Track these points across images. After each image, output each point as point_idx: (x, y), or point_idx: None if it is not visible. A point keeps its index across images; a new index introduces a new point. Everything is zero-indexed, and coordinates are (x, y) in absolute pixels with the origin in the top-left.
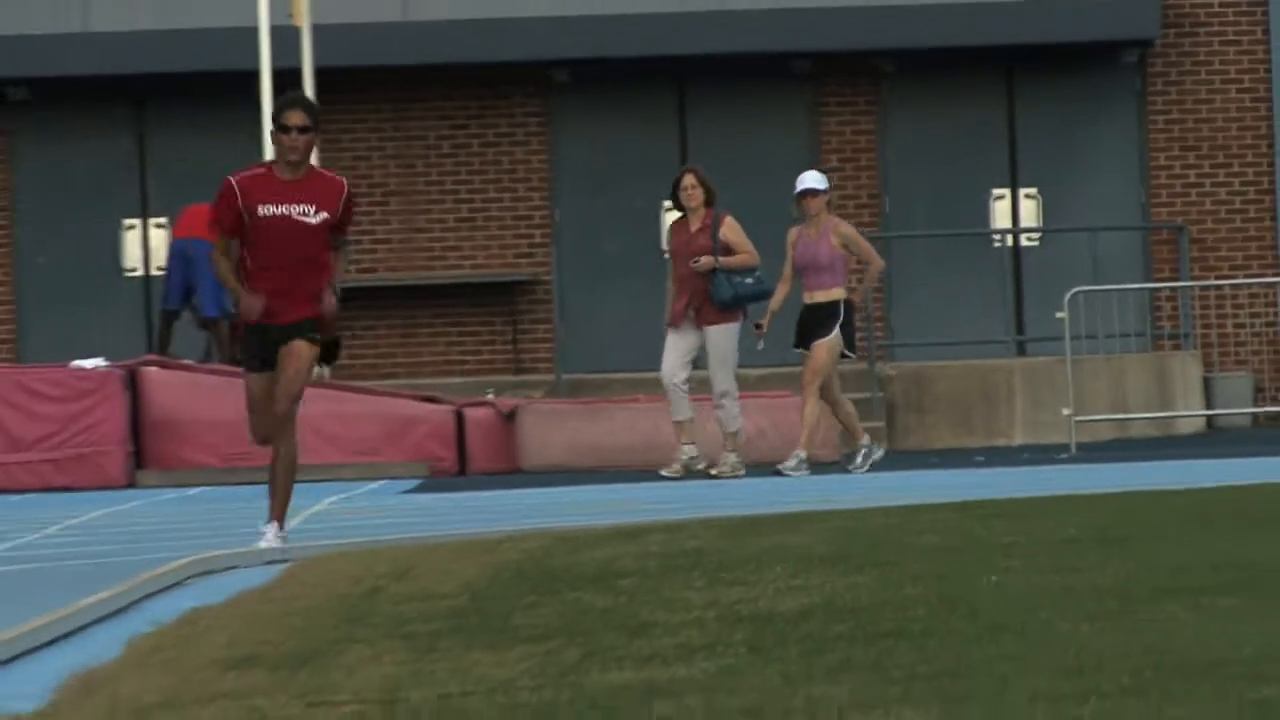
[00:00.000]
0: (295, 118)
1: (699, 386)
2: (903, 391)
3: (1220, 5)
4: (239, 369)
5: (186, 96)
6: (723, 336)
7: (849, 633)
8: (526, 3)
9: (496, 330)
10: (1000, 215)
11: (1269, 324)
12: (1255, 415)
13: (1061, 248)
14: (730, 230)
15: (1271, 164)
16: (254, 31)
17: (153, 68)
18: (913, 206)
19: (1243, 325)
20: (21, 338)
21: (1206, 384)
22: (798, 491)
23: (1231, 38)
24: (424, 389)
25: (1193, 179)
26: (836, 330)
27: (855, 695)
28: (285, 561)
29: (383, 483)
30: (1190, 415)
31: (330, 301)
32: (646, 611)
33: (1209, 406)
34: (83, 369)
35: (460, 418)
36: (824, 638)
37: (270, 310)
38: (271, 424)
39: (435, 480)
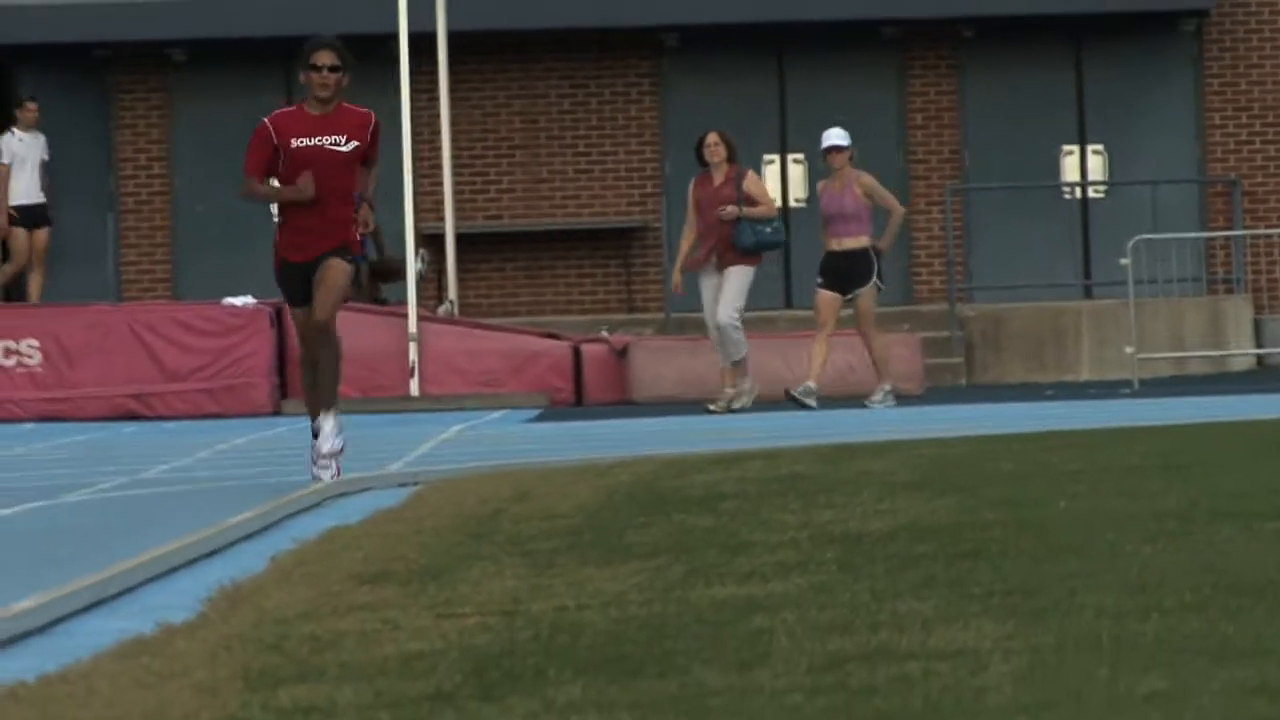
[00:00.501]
0: (326, 57)
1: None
2: (980, 331)
3: None
4: (376, 306)
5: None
6: (741, 276)
7: (931, 552)
8: None
9: (611, 272)
10: (1069, 169)
11: None
12: None
13: (1125, 199)
14: (753, 184)
15: None
16: (390, 4)
17: (296, 30)
18: (990, 161)
19: None
20: (178, 278)
21: (1257, 325)
22: (884, 422)
23: None
24: (545, 326)
25: (1245, 137)
26: (875, 278)
27: (938, 610)
28: (416, 484)
29: (505, 412)
30: (1242, 354)
31: (369, 214)
32: (746, 532)
33: (1259, 346)
34: (233, 306)
35: (578, 353)
36: (908, 557)
37: (309, 242)
38: (315, 340)
39: (554, 410)
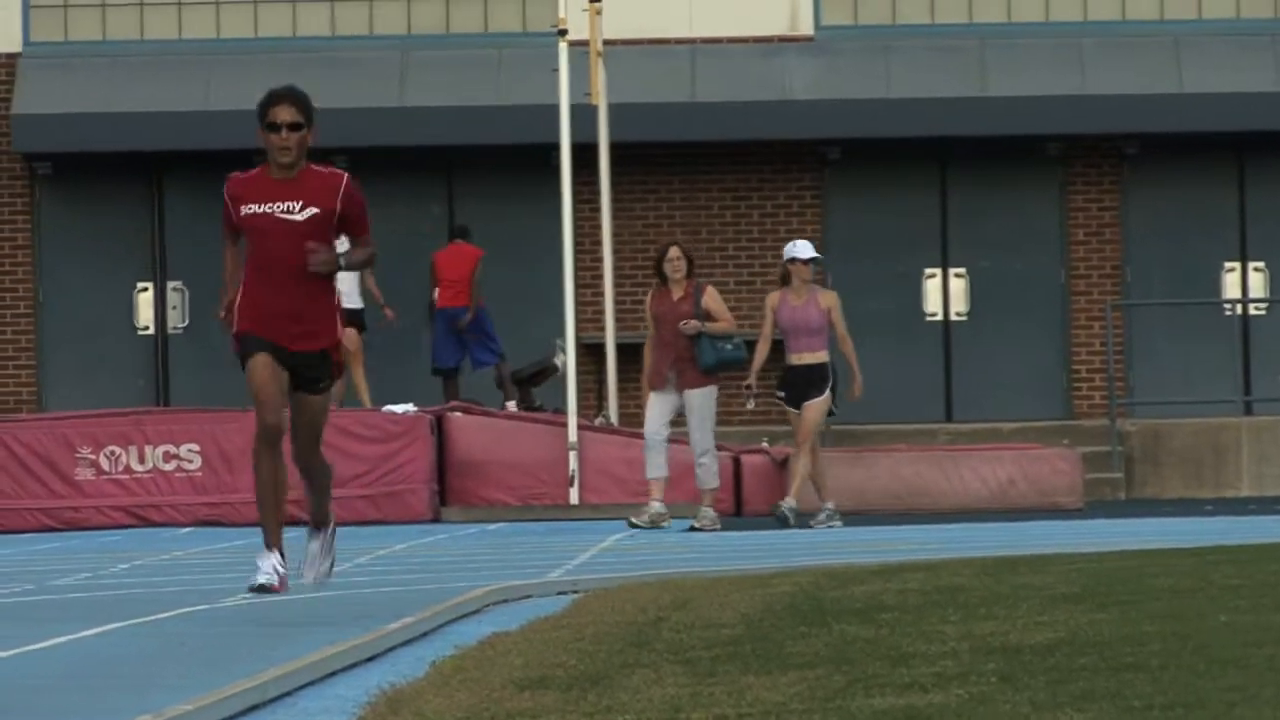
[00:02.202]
0: (284, 114)
1: (910, 436)
2: (1140, 445)
3: None
4: (536, 414)
5: (491, 168)
6: (704, 398)
7: (1091, 665)
8: (801, 88)
9: (773, 383)
10: (1231, 286)
11: None
12: None
13: None
14: (712, 299)
15: None
16: (555, 109)
17: (464, 140)
18: (1151, 277)
19: None
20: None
21: None
22: (1043, 534)
23: None
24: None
25: None
26: (828, 392)
27: None
28: (576, 593)
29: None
30: None
31: (329, 252)
32: (906, 643)
33: None
34: (394, 413)
35: (738, 463)
36: (1069, 669)
37: (276, 329)
38: (286, 420)
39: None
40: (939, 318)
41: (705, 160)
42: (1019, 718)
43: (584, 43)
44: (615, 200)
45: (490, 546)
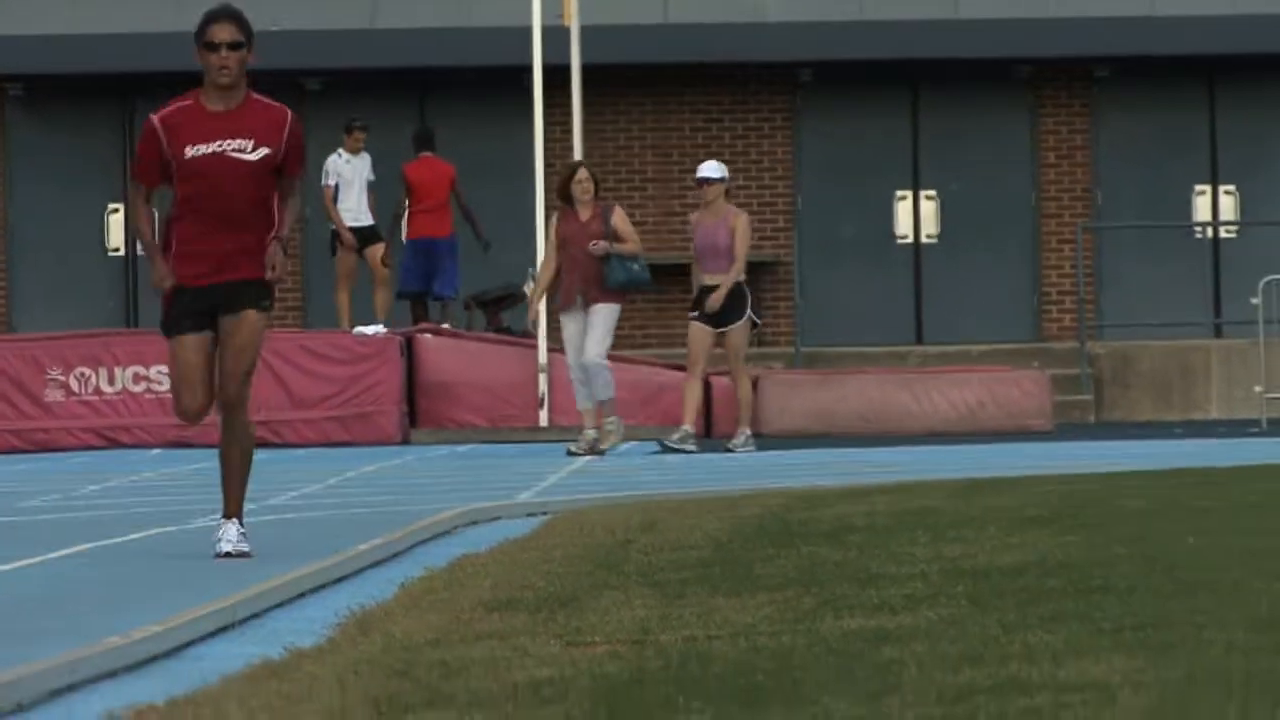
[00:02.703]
0: (223, 32)
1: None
2: (1109, 368)
3: None
4: (505, 336)
5: (464, 91)
6: (609, 314)
7: (1061, 587)
8: (774, 9)
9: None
10: (1201, 209)
11: None
12: None
13: (1257, 240)
14: (621, 220)
15: None
16: (528, 31)
17: (436, 62)
18: (1121, 200)
19: None
20: (309, 308)
21: None
22: (1012, 456)
23: None
24: (673, 359)
25: None
26: (748, 314)
27: (1068, 643)
28: (545, 514)
29: (633, 444)
30: None
31: (277, 257)
32: (875, 564)
33: None
34: (364, 334)
35: (707, 385)
36: (1038, 591)
37: (207, 268)
38: (211, 399)
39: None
40: (909, 240)
41: (677, 82)
42: (988, 639)
43: None
44: (587, 122)
45: (460, 468)
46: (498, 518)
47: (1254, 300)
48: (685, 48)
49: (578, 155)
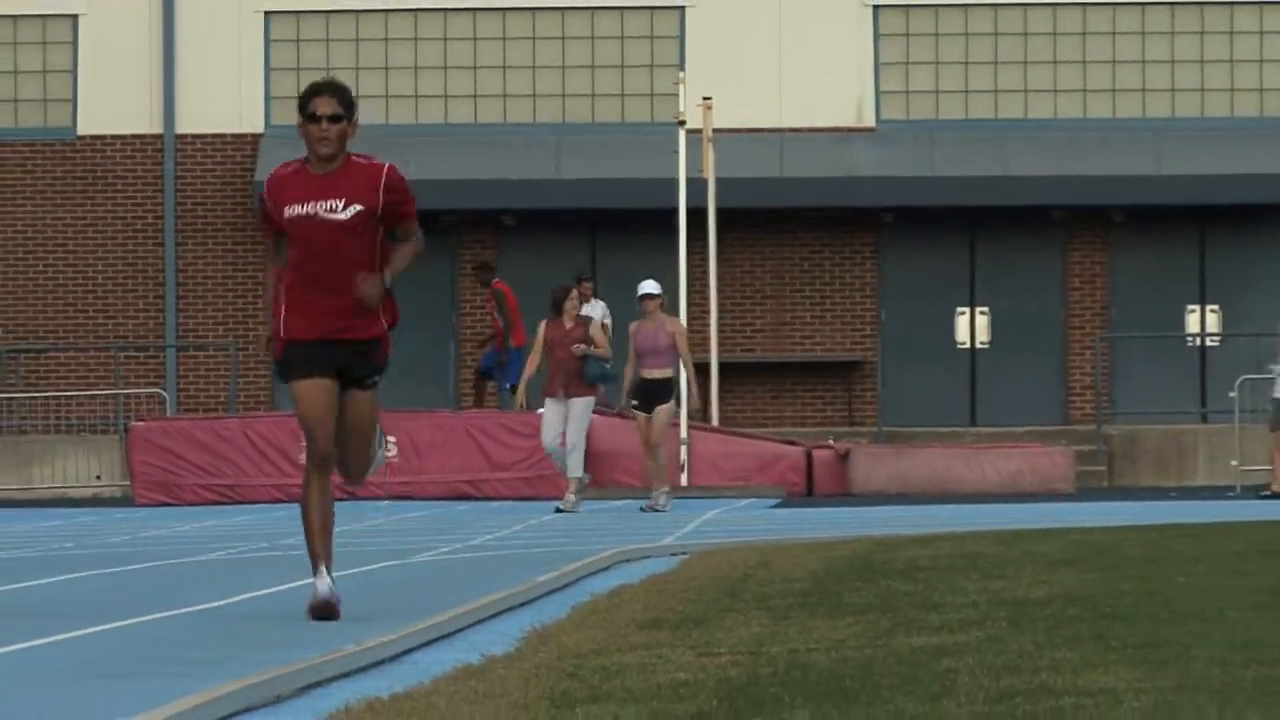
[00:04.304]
0: (325, 105)
1: (939, 437)
2: (1120, 446)
3: None
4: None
5: (625, 228)
6: (586, 404)
7: (1080, 614)
8: (864, 166)
9: (836, 394)
10: (1192, 324)
11: None
12: None
13: (1235, 348)
14: (596, 330)
15: None
16: (675, 182)
17: (604, 205)
18: (1131, 316)
19: None
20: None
21: None
22: (1043, 514)
23: None
24: (785, 435)
25: None
26: (672, 401)
27: (1084, 658)
28: (684, 554)
29: (753, 500)
30: None
31: (367, 283)
32: (937, 595)
33: None
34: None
35: (809, 456)
36: (1062, 617)
37: (316, 324)
38: (338, 450)
39: (790, 500)
40: (967, 346)
41: (790, 222)
42: (1023, 654)
43: (698, 131)
44: (720, 253)
45: (616, 518)
46: (647, 556)
47: (1232, 394)
48: (796, 195)
49: (712, 279)
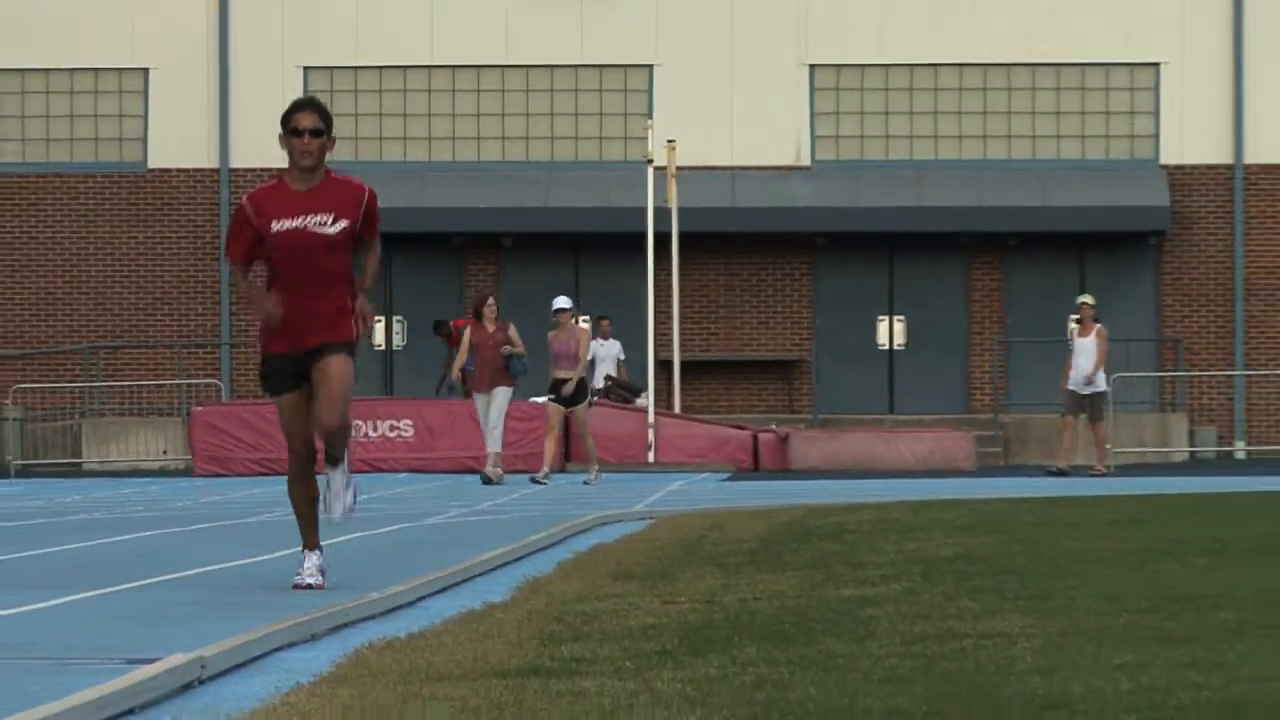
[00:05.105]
0: (306, 120)
1: (864, 422)
2: (1013, 431)
3: (1205, 212)
4: (630, 406)
5: (603, 248)
6: (505, 394)
7: (980, 570)
8: (801, 198)
9: (778, 387)
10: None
11: (1228, 396)
12: (1216, 453)
13: (1109, 350)
14: (513, 332)
15: (1232, 311)
16: (645, 210)
17: (586, 229)
18: (1023, 323)
19: (1212, 397)
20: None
21: (1191, 434)
22: (949, 487)
23: (1211, 230)
24: (735, 421)
25: (1186, 312)
26: (589, 398)
27: (984, 607)
28: (651, 519)
29: (708, 474)
30: (1180, 451)
31: (366, 309)
32: (861, 554)
33: (1192, 447)
34: (536, 403)
35: (756, 439)
36: (965, 573)
37: (297, 337)
38: (329, 439)
39: (739, 474)
40: (886, 347)
41: (740, 244)
42: (933, 603)
43: (664, 168)
44: (681, 270)
45: (596, 488)
46: (621, 520)
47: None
48: (745, 222)
49: (675, 290)
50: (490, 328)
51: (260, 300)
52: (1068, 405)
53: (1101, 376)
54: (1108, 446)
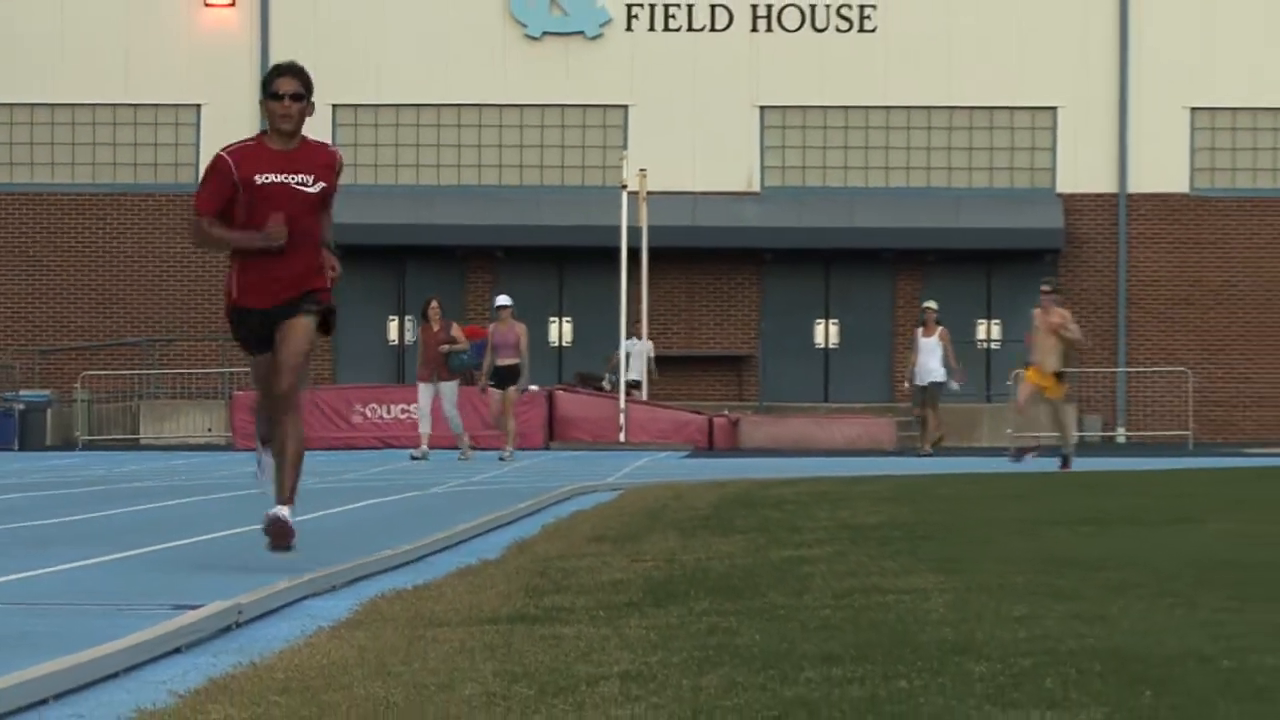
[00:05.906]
0: (287, 85)
1: (802, 410)
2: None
3: (1094, 234)
4: (604, 392)
5: (583, 260)
6: (452, 387)
7: (901, 536)
8: (752, 218)
9: (730, 378)
10: (981, 332)
11: (1111, 389)
12: (1101, 438)
13: (1011, 350)
14: (457, 331)
15: (1115, 317)
16: (619, 228)
17: (570, 244)
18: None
19: (1098, 390)
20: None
21: (1080, 420)
22: (875, 465)
23: (1099, 249)
24: (693, 407)
25: (1077, 319)
26: (523, 383)
27: (904, 567)
28: (621, 489)
29: (670, 452)
30: (1082, 435)
31: (333, 261)
32: (799, 521)
33: (1081, 432)
34: (530, 390)
35: (711, 422)
36: (888, 538)
37: (268, 292)
38: (276, 404)
39: (697, 453)
40: (822, 346)
41: (700, 258)
42: (860, 564)
43: (636, 192)
44: (650, 279)
45: (575, 464)
46: (595, 490)
47: (1009, 383)
48: (704, 239)
49: (644, 294)
50: (435, 327)
51: (257, 237)
52: (914, 398)
53: (944, 370)
54: (1008, 431)
